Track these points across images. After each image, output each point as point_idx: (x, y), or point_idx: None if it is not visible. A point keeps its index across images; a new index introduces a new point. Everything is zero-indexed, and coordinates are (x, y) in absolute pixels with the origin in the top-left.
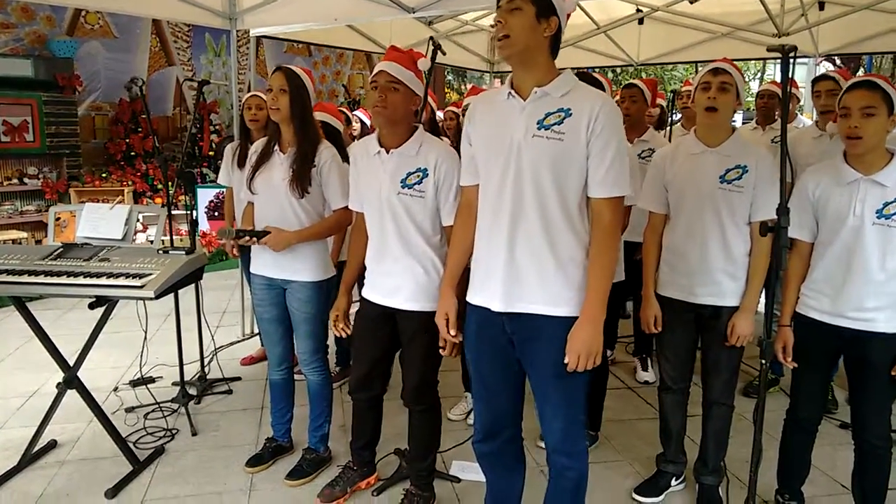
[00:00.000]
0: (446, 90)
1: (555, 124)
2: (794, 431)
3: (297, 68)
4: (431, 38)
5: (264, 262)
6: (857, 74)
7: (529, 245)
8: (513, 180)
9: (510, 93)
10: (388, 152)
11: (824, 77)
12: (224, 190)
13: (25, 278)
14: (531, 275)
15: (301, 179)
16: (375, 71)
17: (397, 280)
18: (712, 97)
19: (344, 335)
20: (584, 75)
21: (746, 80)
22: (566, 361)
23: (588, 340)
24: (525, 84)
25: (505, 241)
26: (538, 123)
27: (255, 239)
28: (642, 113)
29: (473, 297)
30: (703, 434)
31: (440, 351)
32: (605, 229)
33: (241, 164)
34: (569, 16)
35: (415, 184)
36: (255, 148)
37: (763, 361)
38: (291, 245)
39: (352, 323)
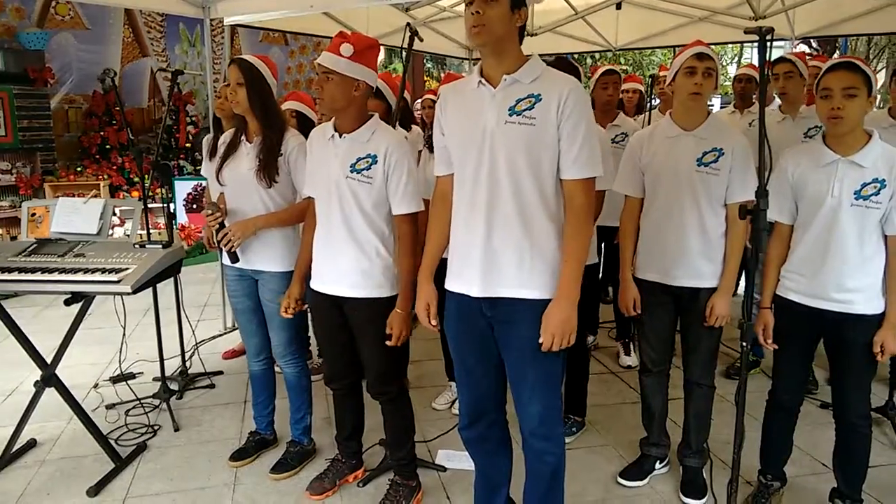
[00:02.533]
0: (425, 78)
1: (526, 110)
2: (777, 413)
3: (254, 57)
4: (408, 24)
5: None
6: (833, 57)
7: (506, 230)
8: (488, 168)
9: (480, 81)
10: (341, 136)
11: (781, 60)
12: (202, 182)
13: None
14: (509, 259)
15: (268, 169)
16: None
17: (341, 267)
18: (699, 83)
19: (290, 316)
20: (562, 60)
21: (724, 63)
22: (541, 341)
23: (563, 319)
24: (495, 72)
25: (482, 228)
26: (509, 110)
27: (217, 222)
28: (616, 98)
29: (451, 284)
30: (685, 416)
31: (386, 342)
32: (578, 211)
33: (212, 155)
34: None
35: (363, 169)
36: (224, 139)
37: (744, 344)
38: (258, 229)
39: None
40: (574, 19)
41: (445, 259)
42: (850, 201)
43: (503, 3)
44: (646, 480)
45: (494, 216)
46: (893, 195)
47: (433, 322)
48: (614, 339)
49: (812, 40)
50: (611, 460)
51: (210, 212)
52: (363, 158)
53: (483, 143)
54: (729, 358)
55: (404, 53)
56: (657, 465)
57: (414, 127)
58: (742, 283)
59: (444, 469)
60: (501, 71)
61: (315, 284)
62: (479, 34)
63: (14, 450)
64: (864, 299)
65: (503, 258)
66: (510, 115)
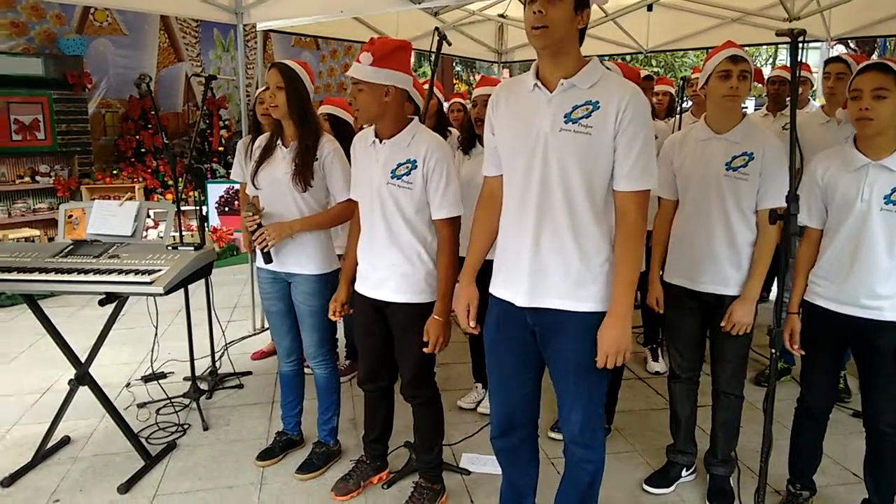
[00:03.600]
0: (455, 81)
1: (582, 118)
2: (805, 420)
3: (293, 62)
4: (436, 28)
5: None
6: (872, 58)
7: (555, 240)
8: (539, 174)
9: (536, 84)
10: (381, 142)
11: (836, 59)
12: (234, 185)
13: (36, 276)
14: (556, 269)
15: (303, 173)
16: None
17: (384, 271)
18: (734, 87)
19: (339, 318)
20: None
21: (759, 65)
22: (596, 359)
23: (617, 338)
24: (552, 75)
25: (531, 236)
26: (565, 117)
27: (255, 223)
28: None
29: (497, 290)
30: (713, 424)
31: (423, 350)
32: (631, 224)
33: (250, 158)
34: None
35: (403, 174)
36: (259, 143)
37: (773, 350)
38: (294, 232)
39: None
40: (604, 21)
41: (488, 260)
42: (880, 206)
43: (567, 3)
44: (672, 488)
45: (543, 224)
46: None
47: (472, 324)
48: (642, 345)
49: (849, 41)
50: (637, 467)
51: (249, 213)
52: (403, 164)
53: (535, 149)
54: (759, 364)
55: (433, 57)
56: (684, 473)
57: (452, 130)
58: (775, 289)
59: (469, 473)
60: (559, 75)
61: (359, 287)
62: (541, 35)
63: (48, 446)
64: (892, 305)
65: (550, 267)
66: (566, 122)
